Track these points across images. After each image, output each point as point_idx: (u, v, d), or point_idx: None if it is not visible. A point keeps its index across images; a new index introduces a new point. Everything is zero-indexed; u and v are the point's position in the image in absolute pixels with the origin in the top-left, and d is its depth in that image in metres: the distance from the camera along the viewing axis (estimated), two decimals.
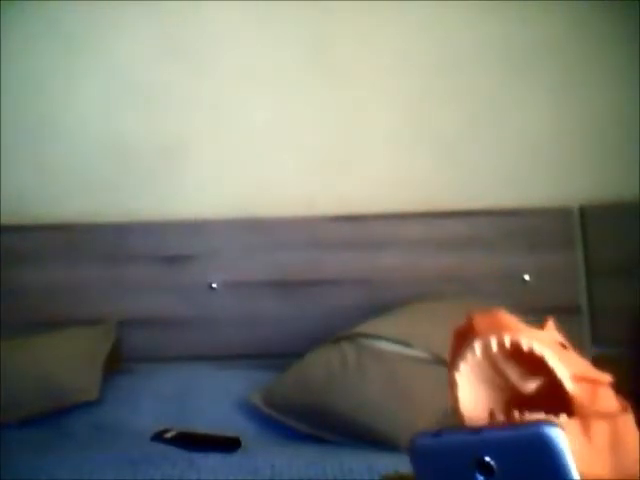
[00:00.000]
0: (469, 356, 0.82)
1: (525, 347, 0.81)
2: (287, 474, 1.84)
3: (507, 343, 0.81)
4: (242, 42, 2.77)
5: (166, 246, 2.70)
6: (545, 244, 2.66)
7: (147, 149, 2.77)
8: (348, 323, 2.41)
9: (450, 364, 0.84)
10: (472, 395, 0.83)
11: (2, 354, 2.37)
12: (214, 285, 2.67)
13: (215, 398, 2.37)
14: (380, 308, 2.48)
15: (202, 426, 2.21)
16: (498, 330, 0.81)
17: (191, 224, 2.71)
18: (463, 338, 0.84)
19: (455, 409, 0.84)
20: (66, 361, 2.42)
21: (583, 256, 2.67)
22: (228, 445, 2.09)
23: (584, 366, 0.85)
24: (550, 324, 0.89)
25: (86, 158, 2.77)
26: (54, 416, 2.31)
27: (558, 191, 2.72)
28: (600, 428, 0.79)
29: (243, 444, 2.10)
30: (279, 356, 2.53)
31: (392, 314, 2.42)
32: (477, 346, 0.82)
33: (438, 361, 2.11)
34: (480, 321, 0.83)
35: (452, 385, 0.83)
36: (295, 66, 2.77)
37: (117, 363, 2.55)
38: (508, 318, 0.83)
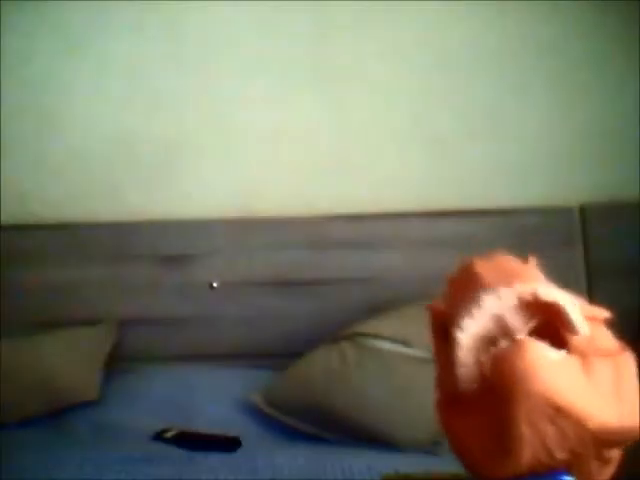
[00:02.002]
0: (475, 312, 0.74)
1: (543, 297, 0.75)
2: (287, 473, 1.85)
3: (522, 294, 0.74)
4: (243, 42, 2.76)
5: (166, 246, 2.70)
6: (546, 244, 2.65)
7: (147, 149, 2.77)
8: (348, 323, 2.41)
9: (449, 320, 0.77)
10: (472, 355, 0.75)
11: (3, 354, 2.37)
12: (214, 285, 2.67)
13: (215, 398, 2.37)
14: (380, 308, 2.48)
15: (202, 426, 2.22)
16: (508, 280, 0.75)
17: (191, 224, 2.71)
18: (465, 289, 0.76)
19: (446, 375, 0.78)
20: (66, 361, 2.42)
21: (583, 255, 2.67)
22: (228, 444, 2.09)
23: (580, 303, 0.81)
24: (532, 261, 0.84)
25: (86, 158, 2.77)
26: (54, 416, 2.32)
27: (558, 191, 2.72)
28: (602, 367, 0.76)
29: (243, 443, 2.11)
30: (279, 356, 2.53)
31: (392, 314, 2.42)
32: (487, 300, 0.74)
33: None
34: (485, 269, 0.76)
35: (452, 345, 0.75)
36: (295, 66, 2.76)
37: (117, 363, 2.55)
38: (513, 263, 0.77)
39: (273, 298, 2.66)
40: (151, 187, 2.77)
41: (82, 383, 2.37)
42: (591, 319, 0.79)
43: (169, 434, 2.16)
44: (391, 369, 2.20)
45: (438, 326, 0.81)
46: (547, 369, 0.73)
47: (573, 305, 0.77)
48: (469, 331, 0.75)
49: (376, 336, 2.29)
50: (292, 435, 2.21)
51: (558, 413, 0.72)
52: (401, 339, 2.25)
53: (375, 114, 2.76)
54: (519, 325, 0.76)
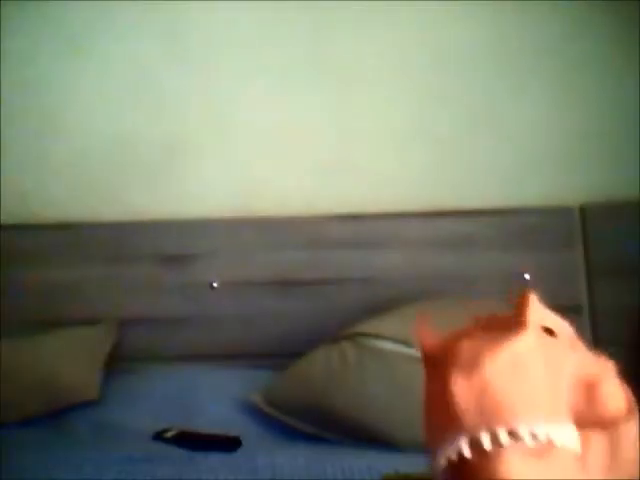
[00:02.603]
0: (451, 451, 0.68)
1: (527, 439, 0.67)
2: (287, 473, 1.84)
3: (503, 439, 0.66)
4: (243, 42, 2.76)
5: (167, 245, 2.70)
6: (545, 243, 2.66)
7: (148, 148, 2.77)
8: (348, 322, 2.41)
9: (426, 435, 0.71)
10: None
11: (3, 353, 2.37)
12: (215, 284, 2.67)
13: (215, 397, 2.37)
14: (380, 307, 2.48)
15: (202, 425, 2.21)
16: (489, 419, 0.67)
17: (192, 224, 2.71)
18: (439, 410, 0.69)
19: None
20: (67, 360, 2.42)
21: (583, 255, 2.66)
22: (228, 444, 2.09)
23: (580, 356, 0.74)
24: (533, 300, 0.75)
25: (87, 157, 2.77)
26: (54, 415, 2.31)
27: (558, 190, 2.72)
28: (597, 445, 0.70)
29: (243, 443, 2.11)
30: (279, 355, 2.53)
31: (392, 313, 2.42)
32: (463, 444, 0.67)
33: None
34: (464, 401, 0.67)
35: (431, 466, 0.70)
36: (295, 66, 2.76)
37: (118, 362, 2.55)
38: (495, 387, 0.67)
39: (273, 298, 2.66)
40: (151, 187, 2.77)
41: (82, 383, 2.37)
42: (594, 381, 0.72)
43: (169, 434, 2.16)
44: (392, 369, 2.20)
45: (430, 363, 0.74)
46: (520, 473, 0.66)
47: (566, 436, 0.69)
48: (441, 464, 0.70)
49: (377, 336, 2.29)
50: (292, 435, 2.21)
51: None
52: (401, 339, 2.25)
53: (374, 114, 2.76)
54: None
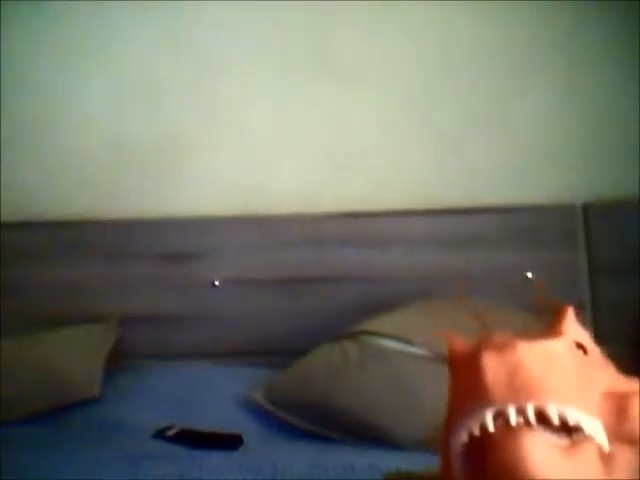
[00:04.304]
0: (474, 426, 0.67)
1: (554, 419, 0.66)
2: (289, 472, 1.84)
3: (531, 414, 0.65)
4: (243, 41, 2.76)
5: (168, 244, 2.70)
6: (548, 241, 2.65)
7: (149, 147, 2.76)
8: (350, 321, 2.40)
9: (450, 416, 0.70)
10: (464, 460, 0.69)
11: (4, 351, 2.37)
12: (216, 282, 2.67)
13: (217, 396, 2.37)
14: (382, 306, 2.48)
15: (204, 424, 2.21)
16: (518, 395, 0.66)
17: (193, 222, 2.71)
18: (467, 383, 0.68)
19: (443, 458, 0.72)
20: (68, 358, 2.42)
21: (586, 253, 2.66)
22: (230, 443, 2.09)
23: (610, 374, 0.74)
24: (570, 315, 0.76)
25: (88, 156, 2.77)
26: (55, 413, 2.31)
27: (561, 188, 2.71)
28: (625, 455, 0.68)
29: (245, 442, 2.10)
30: (281, 354, 2.52)
31: (394, 312, 2.42)
32: (489, 418, 0.66)
33: (440, 359, 2.11)
34: (494, 375, 0.66)
35: (448, 446, 0.69)
36: (296, 64, 2.76)
37: (119, 360, 2.55)
38: (527, 366, 0.66)
39: (274, 296, 2.66)
40: (153, 185, 2.77)
41: (83, 380, 2.37)
42: (624, 397, 0.71)
43: (171, 432, 2.16)
44: (394, 367, 2.19)
45: (456, 364, 0.74)
46: (543, 460, 0.65)
47: (591, 424, 0.68)
48: (461, 439, 0.69)
49: (379, 334, 2.28)
50: (294, 433, 2.21)
51: None
52: (404, 337, 2.24)
53: (377, 112, 2.76)
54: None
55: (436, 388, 2.00)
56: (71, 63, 2.77)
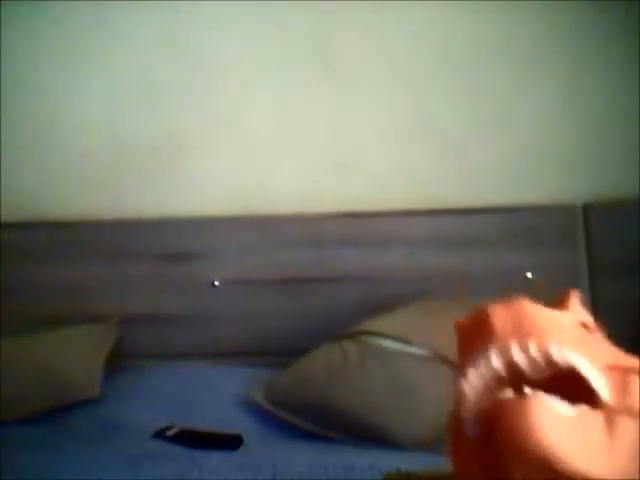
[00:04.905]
0: (482, 364, 0.71)
1: (556, 357, 0.69)
2: (289, 472, 1.84)
3: (533, 351, 0.69)
4: (243, 41, 2.76)
5: (168, 244, 2.70)
6: (548, 242, 2.65)
7: (149, 147, 2.76)
8: (350, 321, 2.40)
9: (459, 367, 0.74)
10: (478, 402, 0.72)
11: (4, 351, 2.37)
12: (216, 283, 2.67)
13: (217, 396, 2.36)
14: (382, 306, 2.48)
15: (204, 424, 2.21)
16: (521, 334, 0.70)
17: (193, 222, 2.71)
18: (476, 337, 0.72)
19: (455, 413, 0.75)
20: (68, 358, 2.42)
21: (586, 254, 2.66)
22: (230, 443, 2.09)
23: (612, 351, 0.76)
24: (574, 299, 0.79)
25: (88, 156, 2.77)
26: (55, 413, 2.31)
27: (561, 189, 2.71)
28: (628, 427, 0.70)
29: (245, 442, 2.10)
30: (281, 354, 2.52)
31: (394, 312, 2.42)
32: (494, 355, 0.70)
33: (440, 359, 2.11)
34: (500, 320, 0.71)
35: (457, 392, 0.73)
36: (296, 64, 2.76)
37: (119, 360, 2.55)
38: (533, 314, 0.71)
39: (274, 296, 2.66)
40: (153, 185, 2.76)
41: (83, 380, 2.37)
42: (626, 371, 0.73)
43: (171, 432, 2.16)
44: (393, 367, 2.19)
45: (463, 331, 0.76)
46: (551, 427, 0.67)
47: (591, 370, 0.71)
48: (474, 383, 0.72)
49: (379, 334, 2.28)
50: (294, 433, 2.21)
51: (558, 475, 0.67)
52: (404, 337, 2.24)
53: (377, 112, 2.76)
54: (533, 372, 0.71)
55: (436, 388, 2.01)
56: (71, 63, 2.77)
